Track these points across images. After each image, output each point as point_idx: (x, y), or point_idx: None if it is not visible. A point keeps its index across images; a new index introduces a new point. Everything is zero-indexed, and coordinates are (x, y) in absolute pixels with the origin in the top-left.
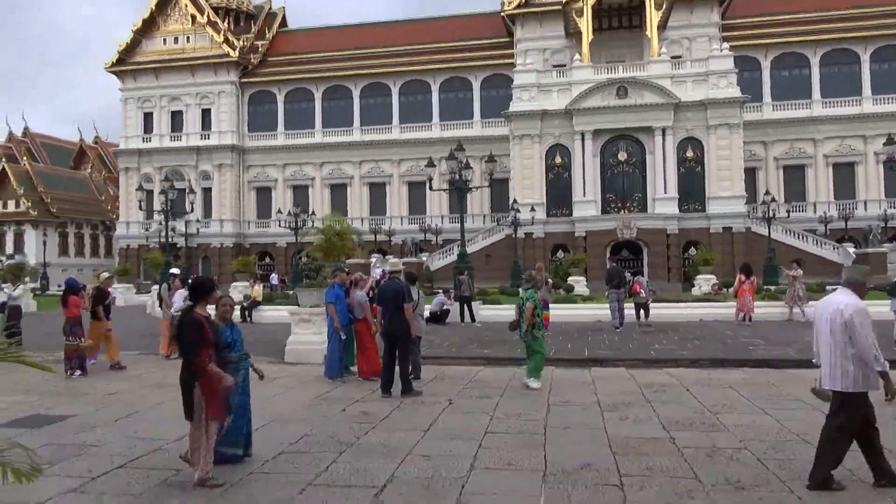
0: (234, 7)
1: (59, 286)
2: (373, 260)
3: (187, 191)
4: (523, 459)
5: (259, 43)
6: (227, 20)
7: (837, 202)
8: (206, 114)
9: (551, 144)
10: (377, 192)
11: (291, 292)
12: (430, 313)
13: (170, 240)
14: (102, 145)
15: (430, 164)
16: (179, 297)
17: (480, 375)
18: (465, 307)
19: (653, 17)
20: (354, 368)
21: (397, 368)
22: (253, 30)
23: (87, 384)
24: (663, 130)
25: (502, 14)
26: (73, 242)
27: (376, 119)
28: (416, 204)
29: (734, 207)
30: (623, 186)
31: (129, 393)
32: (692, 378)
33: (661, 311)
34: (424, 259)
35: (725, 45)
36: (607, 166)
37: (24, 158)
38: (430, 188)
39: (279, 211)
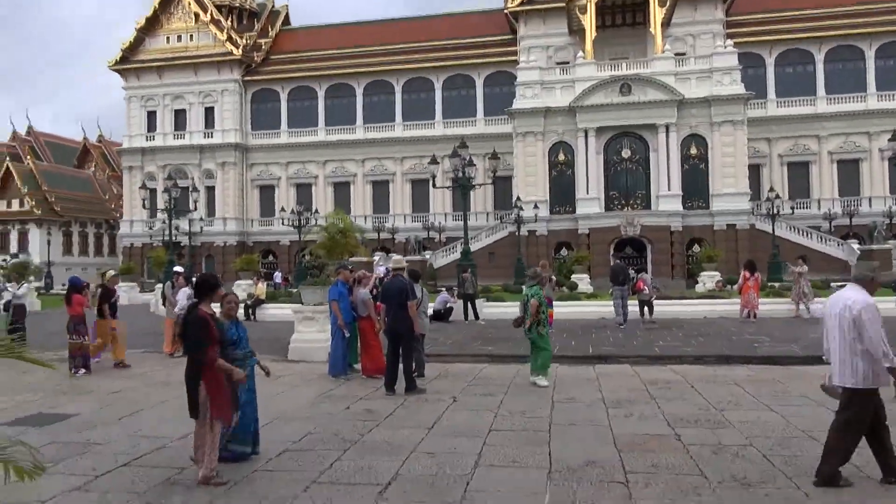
0: (238, 5)
1: (63, 285)
2: (376, 258)
3: (191, 189)
4: (528, 457)
5: (262, 41)
6: (230, 18)
7: (842, 199)
8: (209, 112)
9: (555, 142)
10: (380, 189)
11: (295, 290)
12: (434, 311)
13: (173, 238)
14: (106, 144)
15: (434, 161)
16: (183, 296)
17: (484, 373)
18: (469, 305)
19: (656, 13)
20: (358, 366)
21: (401, 366)
22: (256, 28)
23: (91, 382)
24: (667, 127)
25: (505, 11)
26: (77, 241)
27: (379, 117)
28: (420, 202)
29: (738, 204)
30: (627, 184)
31: (133, 391)
32: (697, 375)
33: (665, 308)
34: (428, 257)
35: (729, 41)
36: (611, 163)
37: (28, 157)
38: (434, 186)
39: (282, 209)
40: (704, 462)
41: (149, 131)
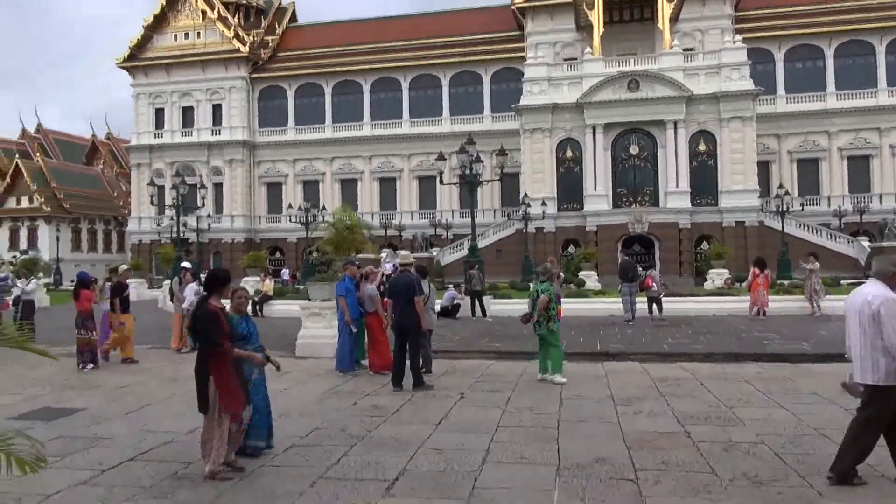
0: (245, 2)
1: (72, 281)
2: (383, 255)
3: (198, 186)
4: (536, 453)
5: (269, 38)
6: (237, 15)
7: (852, 196)
8: (216, 109)
9: (562, 138)
10: (387, 186)
11: (302, 287)
12: (441, 308)
13: (181, 235)
14: (114, 141)
15: (441, 157)
16: (190, 291)
17: (492, 369)
18: (476, 301)
19: (665, 9)
20: (365, 362)
21: (408, 362)
22: (263, 25)
23: (99, 377)
24: (675, 124)
25: (513, 7)
26: (85, 238)
27: (386, 114)
28: (427, 199)
29: (747, 201)
30: (634, 180)
31: (141, 386)
32: (706, 372)
33: (673, 306)
34: (435, 254)
35: (738, 37)
36: (618, 160)
37: (38, 155)
38: (441, 182)
39: (290, 206)
40: (715, 460)
41: (157, 128)
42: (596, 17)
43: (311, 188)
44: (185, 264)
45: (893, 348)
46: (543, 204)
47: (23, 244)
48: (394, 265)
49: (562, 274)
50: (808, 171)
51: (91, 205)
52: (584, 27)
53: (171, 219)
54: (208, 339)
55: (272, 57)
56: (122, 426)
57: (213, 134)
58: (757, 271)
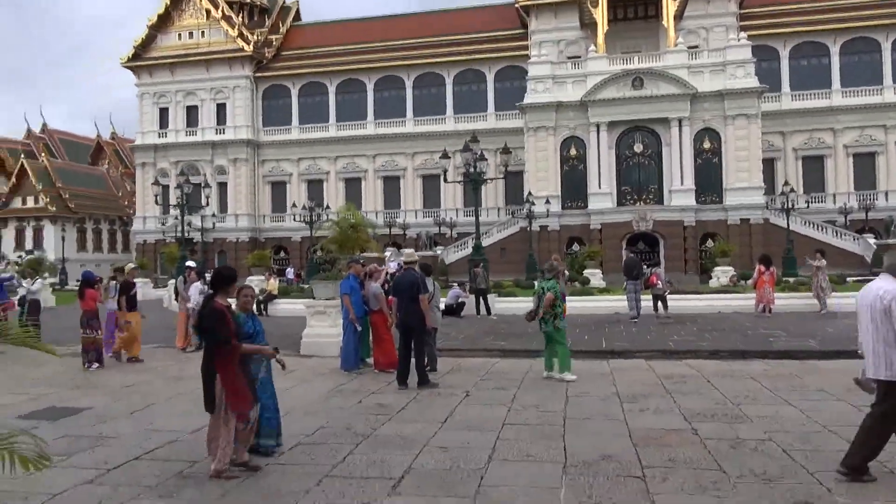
0: (249, 1)
1: (78, 281)
2: (387, 254)
3: (203, 185)
4: (543, 451)
5: (273, 37)
6: (241, 14)
7: (857, 193)
8: (220, 108)
9: (566, 136)
10: (391, 185)
11: (307, 286)
12: (446, 306)
13: (186, 234)
14: (119, 141)
15: (445, 155)
16: (195, 290)
17: (497, 367)
18: (481, 300)
19: (669, 6)
20: (370, 360)
21: (413, 360)
22: (267, 24)
23: (104, 377)
24: (680, 121)
25: (516, 5)
26: (91, 238)
27: (390, 112)
28: (431, 197)
29: (752, 199)
30: (639, 178)
31: (146, 385)
32: (712, 369)
33: (678, 303)
34: (439, 252)
35: (743, 34)
36: (623, 158)
37: (43, 155)
38: (445, 180)
39: (294, 205)
40: (723, 457)
41: (161, 128)
42: (600, 14)
43: (315, 187)
44: (190, 263)
45: None
46: (547, 202)
47: (28, 244)
48: (398, 264)
49: (566, 272)
50: (814, 168)
51: (96, 204)
52: (588, 25)
53: (176, 218)
54: (215, 338)
55: (276, 56)
56: (128, 425)
57: (217, 133)
58: (762, 268)
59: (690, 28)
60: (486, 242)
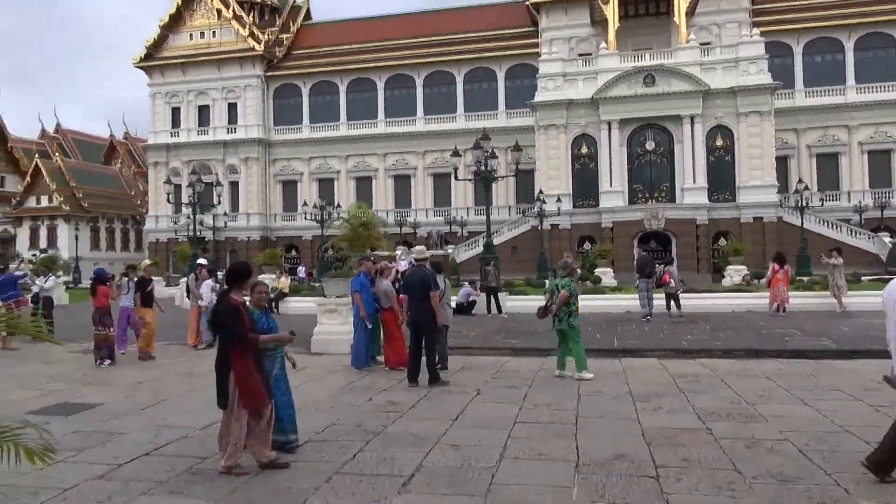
0: (259, 1)
1: (91, 279)
2: (398, 252)
3: (214, 184)
4: (555, 450)
5: (284, 36)
6: (251, 14)
7: (873, 191)
8: (232, 108)
9: (577, 134)
10: (402, 184)
11: (318, 284)
12: (457, 304)
13: (198, 233)
14: (132, 140)
15: (456, 153)
16: (207, 288)
17: (508, 365)
18: (492, 298)
19: (681, 3)
20: (381, 358)
21: (424, 358)
22: (277, 23)
23: (116, 373)
24: (692, 119)
25: (527, 3)
26: (104, 237)
27: (401, 111)
28: (441, 196)
29: (765, 197)
30: (651, 176)
31: (157, 382)
32: (726, 368)
33: (691, 302)
34: (450, 251)
35: (756, 30)
36: (634, 156)
37: (57, 154)
38: (456, 178)
39: (305, 204)
40: (738, 456)
41: (173, 127)
42: (611, 11)
43: (326, 186)
44: (202, 261)
45: None
46: (559, 200)
47: (42, 243)
48: (409, 262)
49: (578, 270)
50: (828, 165)
51: (109, 204)
52: (598, 22)
53: (188, 217)
54: (230, 333)
55: (287, 55)
56: (139, 421)
57: (228, 132)
58: (776, 267)
59: (702, 24)
60: (497, 241)
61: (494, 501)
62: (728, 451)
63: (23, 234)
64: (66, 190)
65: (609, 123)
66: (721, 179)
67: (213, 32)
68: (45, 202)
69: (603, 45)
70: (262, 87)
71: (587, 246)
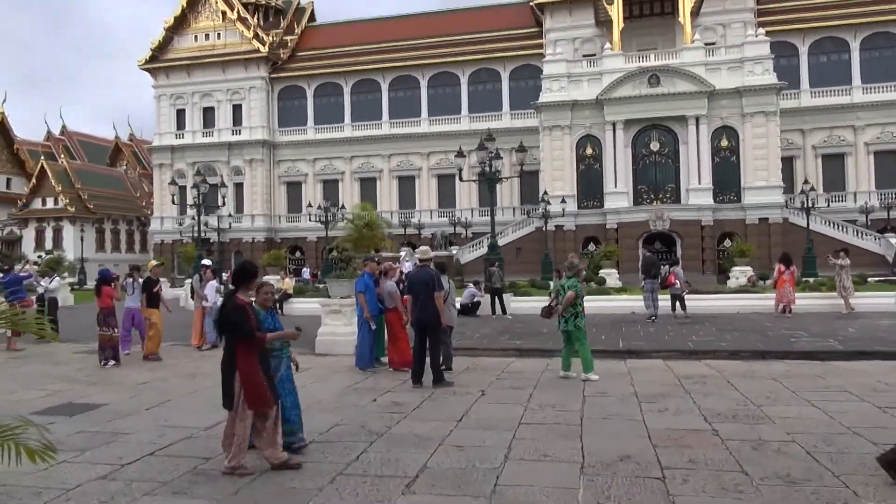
0: (264, 3)
1: (96, 279)
2: (402, 253)
3: (219, 186)
4: (560, 451)
5: (288, 38)
6: (256, 16)
7: (879, 191)
8: (237, 109)
9: (582, 135)
10: (406, 185)
11: (322, 285)
12: (461, 305)
13: (202, 234)
14: (137, 142)
15: (460, 154)
16: (211, 289)
17: (513, 366)
18: (496, 299)
19: (685, 3)
20: (385, 359)
21: (428, 359)
22: (282, 25)
23: (121, 374)
24: (697, 119)
25: (531, 4)
26: (109, 238)
27: (405, 112)
28: (446, 197)
29: (771, 198)
30: (656, 177)
31: (162, 382)
32: (733, 370)
33: (696, 303)
34: (454, 252)
35: (761, 30)
36: (639, 157)
37: (63, 156)
38: (461, 179)
39: (309, 205)
40: (745, 458)
41: (178, 129)
42: (615, 12)
43: (330, 187)
44: (206, 262)
45: None
46: (563, 201)
47: (48, 244)
48: (414, 264)
49: (583, 271)
50: (834, 166)
51: (115, 205)
52: (603, 22)
53: (193, 218)
54: (236, 333)
55: (291, 57)
56: (143, 422)
57: (233, 134)
58: (782, 268)
59: (707, 25)
60: (501, 242)
61: (499, 503)
62: (735, 453)
63: (28, 236)
64: (71, 191)
65: (614, 124)
66: (726, 180)
67: (218, 34)
68: (50, 204)
69: (607, 45)
70: (267, 88)
71: (592, 247)
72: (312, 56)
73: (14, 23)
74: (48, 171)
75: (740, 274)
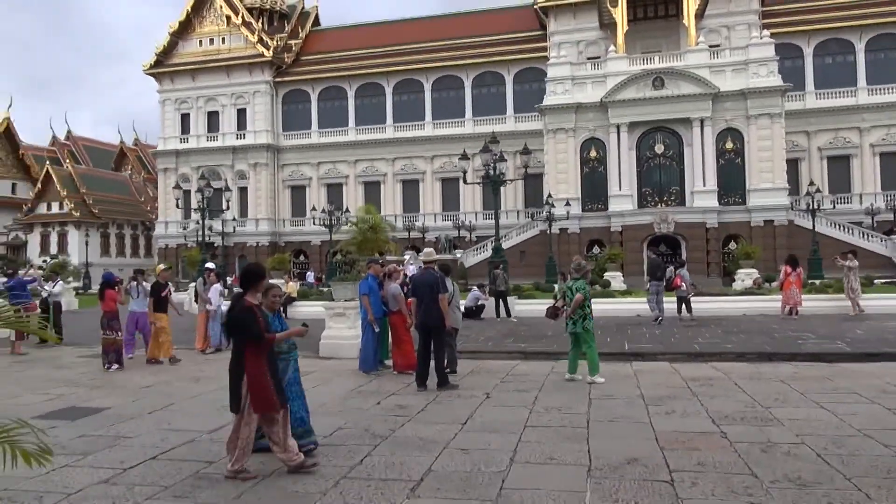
0: (268, 7)
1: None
2: (406, 257)
3: (224, 190)
4: (566, 454)
5: (292, 42)
6: (260, 20)
7: (885, 193)
8: (241, 114)
9: (586, 138)
10: (410, 188)
11: (327, 289)
12: (466, 308)
13: (207, 238)
14: (141, 147)
15: (464, 156)
16: (215, 293)
17: (518, 369)
18: (501, 302)
19: (690, 5)
20: (389, 362)
21: (433, 362)
22: (286, 29)
23: (124, 377)
24: (701, 122)
25: (535, 7)
26: (114, 242)
27: (409, 115)
28: (450, 200)
29: (776, 200)
30: (660, 180)
31: (165, 386)
32: (740, 372)
33: (702, 305)
34: (458, 256)
35: (766, 32)
36: (644, 159)
37: (68, 161)
38: (465, 181)
39: (313, 209)
40: (754, 461)
41: (183, 133)
42: (619, 14)
43: (334, 191)
44: (210, 265)
45: None
46: (567, 204)
47: (53, 249)
48: (418, 267)
49: (590, 273)
50: (839, 168)
51: (119, 210)
52: (607, 25)
53: (197, 222)
54: (244, 336)
55: (295, 61)
56: (146, 425)
57: (237, 138)
58: (789, 269)
59: (712, 27)
60: (505, 245)
61: None
62: (744, 455)
63: (34, 241)
64: (76, 196)
65: (618, 127)
66: (731, 182)
67: (223, 39)
68: (55, 208)
69: (612, 48)
70: (271, 92)
71: (596, 250)
72: (316, 60)
73: (14, 23)
74: (53, 176)
75: (746, 276)
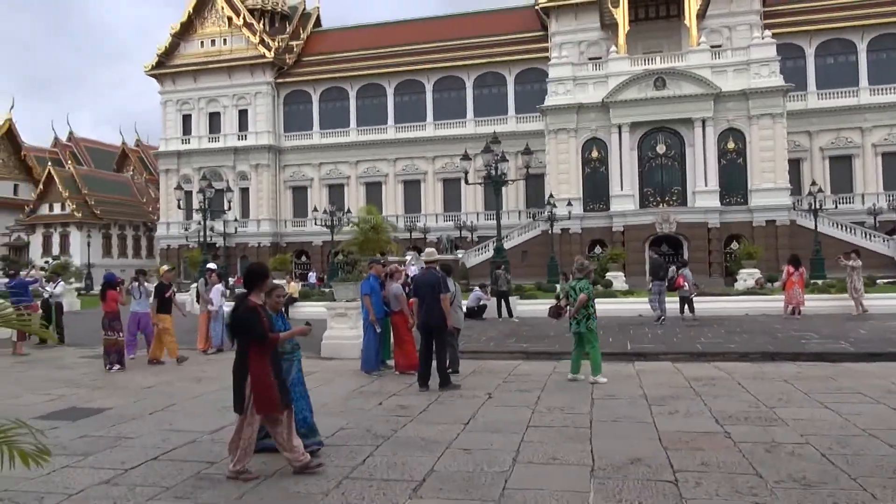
0: (270, 8)
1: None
2: (408, 258)
3: (225, 191)
4: (569, 454)
5: (294, 43)
6: (262, 21)
7: (887, 193)
8: (242, 115)
9: (587, 138)
10: (412, 189)
11: (328, 290)
12: (467, 308)
13: (208, 239)
14: (143, 148)
15: (466, 157)
16: (216, 293)
17: (520, 369)
18: (503, 302)
19: (691, 5)
20: (391, 362)
21: (434, 362)
22: (288, 30)
23: (126, 378)
24: (703, 122)
25: (536, 7)
26: (116, 243)
27: (410, 116)
28: (451, 201)
29: (778, 200)
30: (662, 180)
31: (166, 386)
32: (743, 371)
33: (705, 306)
34: (460, 256)
35: (767, 32)
36: (645, 159)
37: (69, 162)
38: (466, 182)
39: (315, 209)
40: (758, 461)
41: (184, 134)
42: (621, 15)
43: (336, 192)
44: (211, 265)
45: None
46: (569, 204)
47: (55, 250)
48: (419, 267)
49: (592, 272)
50: (841, 168)
51: (121, 210)
52: (609, 26)
53: (199, 223)
54: (248, 336)
55: (297, 62)
56: (147, 426)
57: (239, 139)
58: (791, 269)
59: (713, 27)
60: (507, 245)
61: None
62: (748, 455)
63: (36, 242)
64: (78, 197)
65: (619, 127)
66: (733, 182)
67: (224, 40)
68: (57, 209)
69: (613, 48)
70: (273, 93)
71: (598, 250)
72: (318, 61)
73: (14, 23)
74: (55, 177)
75: (748, 276)
